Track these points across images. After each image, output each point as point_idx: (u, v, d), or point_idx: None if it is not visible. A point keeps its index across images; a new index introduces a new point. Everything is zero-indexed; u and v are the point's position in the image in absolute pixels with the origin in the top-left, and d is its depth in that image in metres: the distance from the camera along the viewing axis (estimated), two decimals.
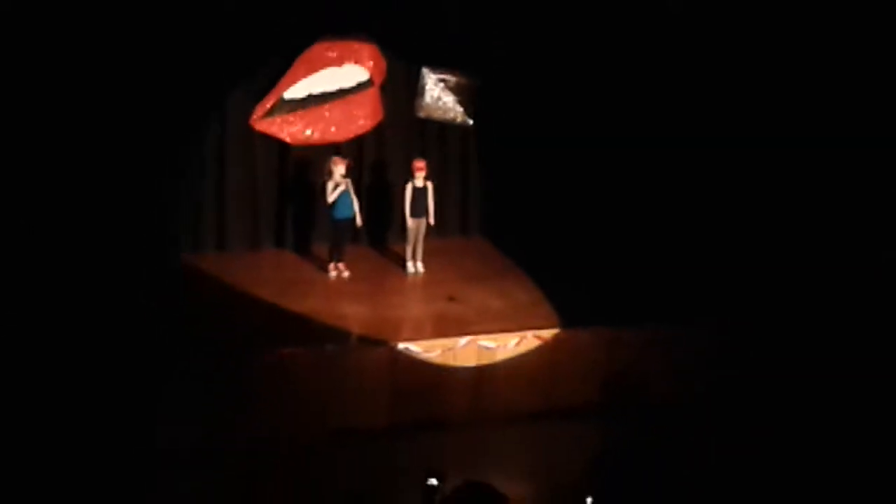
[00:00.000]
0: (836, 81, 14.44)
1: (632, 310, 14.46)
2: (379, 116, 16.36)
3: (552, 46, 16.17)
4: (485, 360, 13.72)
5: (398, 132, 16.72)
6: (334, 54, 15.93)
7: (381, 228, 16.82)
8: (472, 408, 13.64)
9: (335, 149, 16.14)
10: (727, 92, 15.12)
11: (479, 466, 12.40)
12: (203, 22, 14.80)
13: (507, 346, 13.78)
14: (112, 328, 13.12)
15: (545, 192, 16.82)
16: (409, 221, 15.68)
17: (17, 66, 13.64)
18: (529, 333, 13.89)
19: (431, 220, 15.76)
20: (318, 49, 15.82)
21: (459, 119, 16.46)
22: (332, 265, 15.68)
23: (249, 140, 16.09)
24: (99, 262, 14.19)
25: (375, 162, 16.81)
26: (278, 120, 15.91)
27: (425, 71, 16.24)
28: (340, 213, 15.49)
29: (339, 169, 15.34)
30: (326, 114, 16.07)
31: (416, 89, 16.34)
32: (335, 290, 15.29)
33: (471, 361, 13.68)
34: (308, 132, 16.05)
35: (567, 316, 14.30)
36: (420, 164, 15.67)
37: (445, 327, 14.09)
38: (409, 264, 15.89)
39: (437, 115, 16.40)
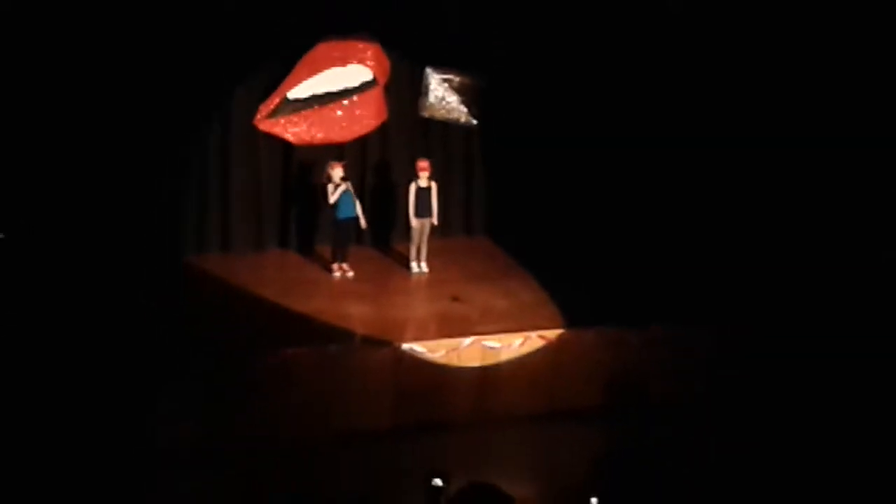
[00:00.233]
0: (836, 81, 14.42)
1: (636, 310, 14.43)
2: (383, 116, 16.34)
3: (555, 46, 16.15)
4: (489, 361, 13.70)
5: (402, 132, 16.70)
6: (338, 54, 15.90)
7: (385, 229, 16.78)
8: (477, 408, 13.61)
9: (338, 149, 16.15)
10: (730, 92, 15.11)
11: (483, 467, 12.39)
12: (206, 22, 14.79)
13: (511, 346, 13.76)
14: (114, 328, 13.14)
15: (549, 192, 16.80)
16: (414, 221, 15.65)
17: (17, 66, 13.63)
18: (534, 334, 13.86)
19: (436, 220, 15.74)
20: (321, 49, 15.79)
21: (463, 119, 16.43)
22: (335, 265, 15.66)
23: (253, 140, 16.08)
24: (102, 262, 14.21)
25: (379, 162, 16.78)
26: (282, 120, 15.89)
27: (429, 71, 16.21)
28: (343, 214, 15.47)
29: (338, 172, 15.34)
30: (330, 114, 16.04)
31: (420, 89, 16.32)
32: (339, 290, 15.27)
33: (475, 362, 13.66)
34: (312, 132, 16.02)
35: (571, 316, 14.27)
36: (424, 164, 15.65)
37: (450, 327, 14.07)
38: (414, 264, 15.86)
39: (441, 115, 16.38)
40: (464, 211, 17.38)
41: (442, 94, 16.28)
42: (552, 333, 13.94)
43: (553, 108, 16.42)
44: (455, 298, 14.89)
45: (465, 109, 16.37)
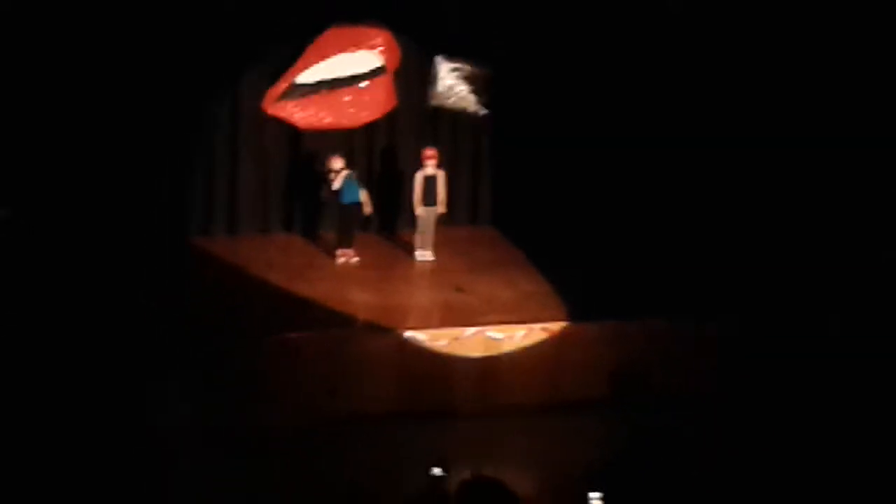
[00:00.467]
0: (838, 81, 14.42)
1: (639, 303, 14.42)
2: (392, 104, 16.31)
3: (565, 38, 16.11)
4: (492, 351, 13.69)
5: (410, 120, 16.67)
6: (348, 40, 15.88)
7: (391, 216, 16.77)
8: (479, 398, 13.61)
9: (346, 135, 16.15)
10: (739, 87, 15.09)
11: (485, 457, 12.45)
12: (216, 5, 14.77)
13: (514, 337, 13.75)
14: (119, 312, 13.11)
15: (555, 184, 16.75)
16: (419, 210, 15.64)
17: (26, 50, 13.62)
18: (537, 325, 13.86)
19: (444, 209, 15.73)
20: (331, 34, 15.77)
21: (472, 108, 16.39)
22: (340, 251, 15.66)
23: (261, 125, 16.06)
24: (108, 244, 14.21)
25: (386, 149, 16.77)
26: (290, 105, 15.86)
27: (439, 59, 16.17)
28: (347, 198, 15.47)
29: (337, 163, 15.39)
30: (339, 99, 16.02)
31: (430, 78, 16.29)
32: (343, 276, 15.27)
33: (478, 352, 13.65)
34: (320, 117, 15.99)
35: (575, 308, 14.26)
36: (430, 153, 15.64)
37: (453, 317, 14.07)
38: (419, 253, 15.84)
39: (450, 103, 16.34)
40: (470, 201, 17.35)
41: (451, 83, 16.24)
42: (555, 326, 13.93)
43: (561, 99, 16.38)
44: (459, 288, 14.88)
45: (474, 99, 16.33)
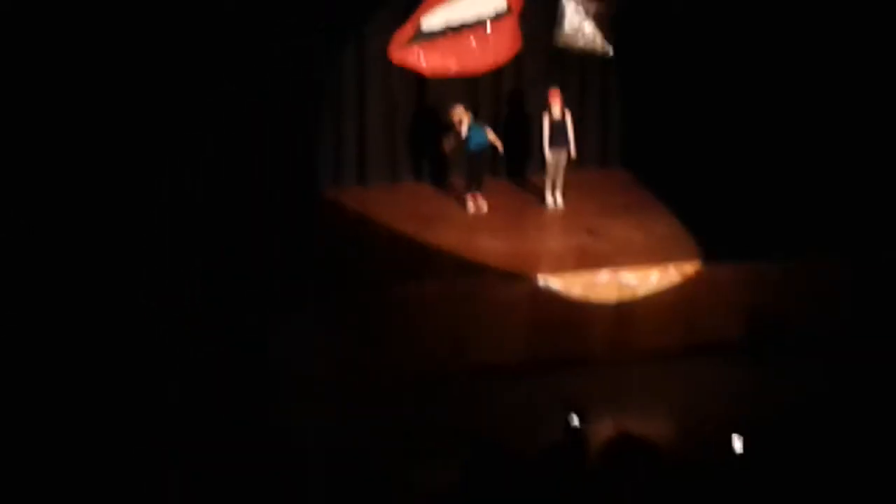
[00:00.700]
0: None
1: (775, 243, 14.11)
2: (518, 46, 16.05)
3: None
4: (626, 295, 13.55)
5: (537, 62, 16.45)
6: None
7: (520, 161, 16.63)
8: (613, 344, 13.52)
9: (472, 81, 15.99)
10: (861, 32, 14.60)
11: (621, 404, 12.35)
12: None
13: (648, 280, 13.57)
14: (252, 264, 13.28)
15: (686, 123, 16.39)
16: (548, 154, 15.48)
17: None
18: (671, 268, 13.64)
19: (573, 153, 15.54)
20: None
21: (600, 48, 16.08)
22: (469, 196, 15.59)
23: (387, 71, 16.01)
24: (242, 193, 14.36)
25: (513, 92, 16.60)
26: (416, 50, 15.73)
27: None
28: (474, 144, 15.40)
29: (458, 112, 15.34)
30: (464, 43, 15.83)
31: (556, 18, 16.02)
32: (473, 224, 15.24)
33: (611, 297, 13.52)
34: (446, 63, 15.80)
35: (709, 250, 14.02)
36: (555, 93, 15.44)
37: (586, 261, 13.95)
38: (549, 197, 15.71)
39: (578, 44, 16.06)
40: (600, 142, 17.11)
41: (578, 22, 15.94)
42: (690, 267, 13.72)
43: (690, 36, 15.97)
44: (591, 232, 14.72)
45: (601, 38, 16.02)
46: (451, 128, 15.49)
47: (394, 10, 15.65)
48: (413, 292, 13.17)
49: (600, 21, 15.92)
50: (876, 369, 12.92)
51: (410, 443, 11.71)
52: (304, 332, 12.66)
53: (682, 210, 15.25)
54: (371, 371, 12.73)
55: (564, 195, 15.69)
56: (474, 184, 15.61)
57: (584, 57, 16.31)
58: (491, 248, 14.36)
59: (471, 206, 15.59)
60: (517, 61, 16.29)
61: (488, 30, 15.76)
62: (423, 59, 15.72)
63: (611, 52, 16.09)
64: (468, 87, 15.98)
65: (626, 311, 13.57)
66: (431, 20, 15.64)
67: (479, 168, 15.64)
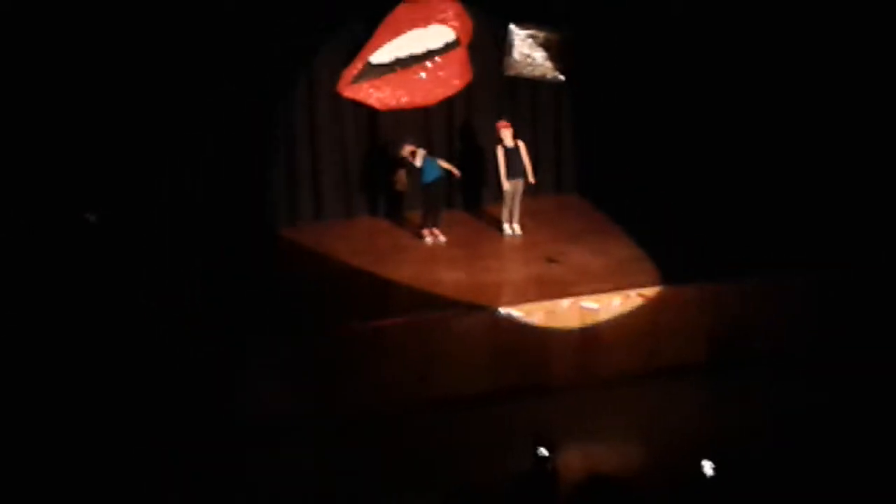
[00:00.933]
0: None
1: (733, 263, 14.11)
2: (468, 77, 16.10)
3: None
4: (588, 322, 13.46)
5: (488, 92, 16.44)
6: (419, 15, 15.68)
7: (476, 191, 16.58)
8: (578, 370, 13.42)
9: (423, 113, 15.96)
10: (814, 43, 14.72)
11: (588, 429, 12.27)
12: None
13: (610, 305, 13.51)
14: (208, 305, 13.13)
15: (640, 146, 16.48)
16: (506, 184, 15.43)
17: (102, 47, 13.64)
18: (633, 292, 13.60)
19: (532, 179, 15.52)
20: (402, 11, 15.58)
21: (550, 75, 16.11)
22: (426, 231, 15.52)
23: (338, 108, 15.93)
24: (194, 233, 14.25)
25: (466, 124, 16.57)
26: (366, 85, 15.72)
27: (513, 28, 15.90)
28: (429, 176, 15.35)
29: (408, 149, 15.31)
30: (414, 77, 15.85)
31: (504, 47, 16.03)
32: (432, 256, 15.13)
33: (574, 323, 13.44)
34: (396, 96, 15.84)
35: (669, 272, 13.99)
36: (505, 125, 15.43)
37: (546, 290, 13.85)
38: (507, 226, 15.65)
39: (527, 72, 16.08)
40: (554, 169, 17.10)
41: (527, 50, 15.97)
42: (651, 291, 13.67)
43: (641, 60, 16.06)
44: (550, 260, 14.66)
45: (551, 65, 16.04)
46: (404, 164, 15.41)
47: (344, 44, 15.63)
48: (374, 327, 13.03)
49: (550, 48, 15.96)
50: (840, 387, 12.91)
51: (377, 477, 11.56)
52: (266, 372, 12.49)
53: (639, 234, 15.23)
54: (335, 407, 12.58)
55: (521, 223, 15.64)
56: (430, 218, 15.53)
57: (536, 84, 16.35)
58: (451, 279, 14.26)
59: (428, 239, 15.50)
60: (468, 92, 16.30)
61: (438, 62, 15.79)
62: (373, 94, 15.73)
63: (562, 79, 16.14)
64: (420, 120, 15.93)
65: (589, 337, 13.48)
66: (381, 55, 15.65)
67: (436, 201, 15.57)
